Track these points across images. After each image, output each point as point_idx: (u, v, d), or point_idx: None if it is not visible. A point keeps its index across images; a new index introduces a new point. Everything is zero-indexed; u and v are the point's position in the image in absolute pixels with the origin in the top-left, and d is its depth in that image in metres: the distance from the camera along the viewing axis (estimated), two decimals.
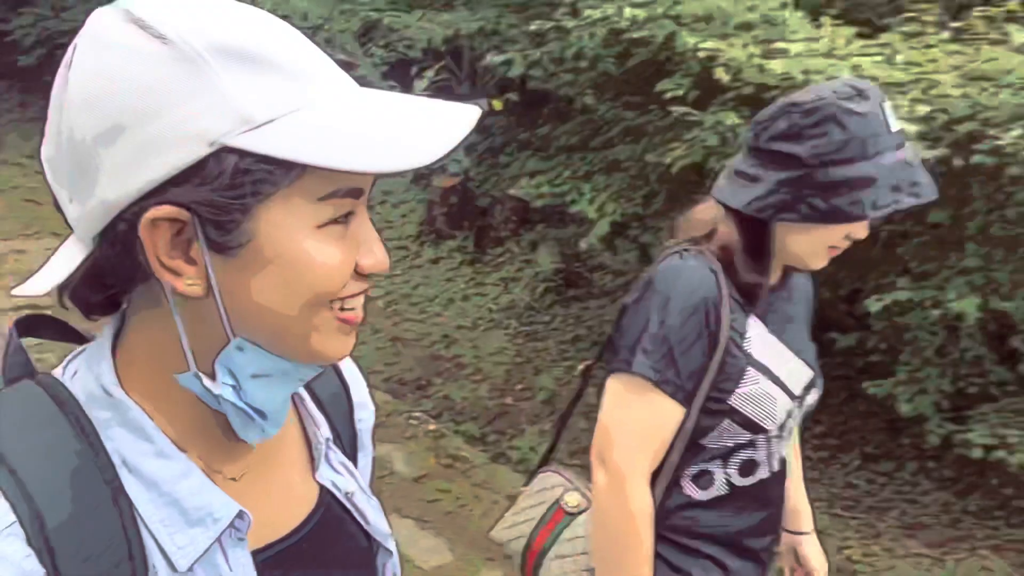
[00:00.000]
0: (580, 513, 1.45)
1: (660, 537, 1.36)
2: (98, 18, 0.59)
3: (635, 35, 2.40)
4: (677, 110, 2.48)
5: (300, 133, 0.57)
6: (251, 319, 0.61)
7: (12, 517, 0.57)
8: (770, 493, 1.43)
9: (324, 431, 0.75)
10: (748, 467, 1.38)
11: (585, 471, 1.46)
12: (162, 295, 0.61)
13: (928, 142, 2.21)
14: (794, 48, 2.29)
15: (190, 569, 0.62)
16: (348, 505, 0.75)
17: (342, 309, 0.63)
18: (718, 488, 1.38)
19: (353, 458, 0.81)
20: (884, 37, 2.39)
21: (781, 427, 1.37)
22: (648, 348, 1.29)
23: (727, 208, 1.34)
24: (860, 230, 1.30)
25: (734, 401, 1.32)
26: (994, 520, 3.15)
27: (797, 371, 1.40)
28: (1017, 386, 2.92)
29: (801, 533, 1.61)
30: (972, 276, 2.66)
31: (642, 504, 1.32)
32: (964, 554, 3.01)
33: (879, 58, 2.25)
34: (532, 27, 3.05)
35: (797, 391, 1.38)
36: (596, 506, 1.36)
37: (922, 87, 2.13)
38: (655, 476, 1.35)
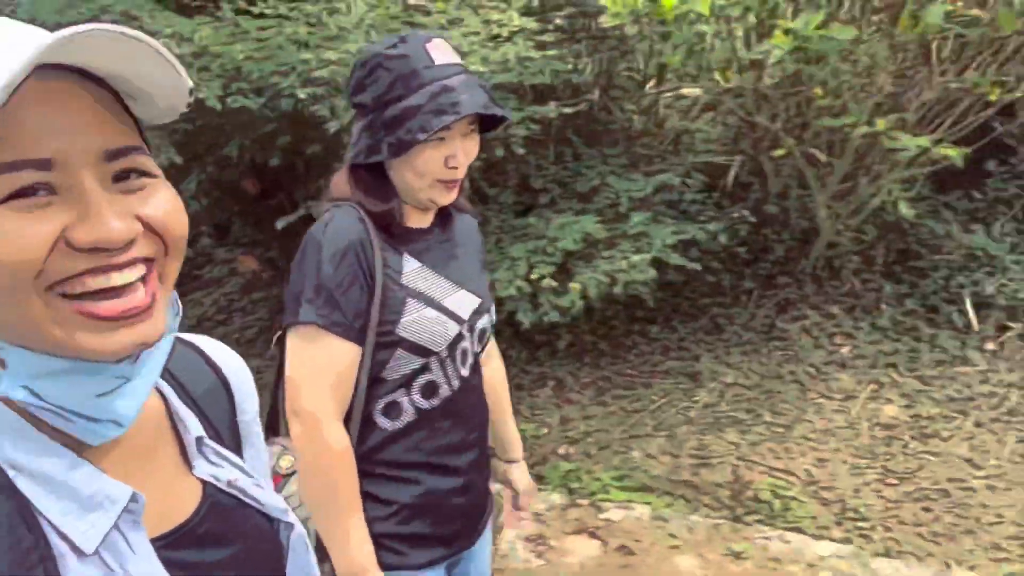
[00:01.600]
0: (293, 473, 1.51)
1: (365, 474, 1.43)
2: None
3: None
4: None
5: None
6: None
7: None
8: (458, 409, 1.52)
9: (194, 431, 0.74)
10: (429, 389, 1.48)
11: None
12: None
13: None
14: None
15: (96, 553, 0.62)
16: (234, 491, 0.75)
17: (78, 298, 0.58)
18: (407, 415, 1.46)
19: (238, 452, 0.81)
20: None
21: (451, 348, 1.48)
22: (311, 296, 1.37)
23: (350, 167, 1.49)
24: (454, 157, 1.41)
25: (400, 331, 1.41)
26: (572, 360, 4.19)
27: (463, 299, 1.51)
28: None
29: (511, 461, 1.80)
30: None
31: (339, 443, 1.39)
32: (549, 390, 4.00)
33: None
34: None
35: (465, 316, 1.50)
36: (299, 456, 1.41)
37: None
38: (348, 418, 1.43)
